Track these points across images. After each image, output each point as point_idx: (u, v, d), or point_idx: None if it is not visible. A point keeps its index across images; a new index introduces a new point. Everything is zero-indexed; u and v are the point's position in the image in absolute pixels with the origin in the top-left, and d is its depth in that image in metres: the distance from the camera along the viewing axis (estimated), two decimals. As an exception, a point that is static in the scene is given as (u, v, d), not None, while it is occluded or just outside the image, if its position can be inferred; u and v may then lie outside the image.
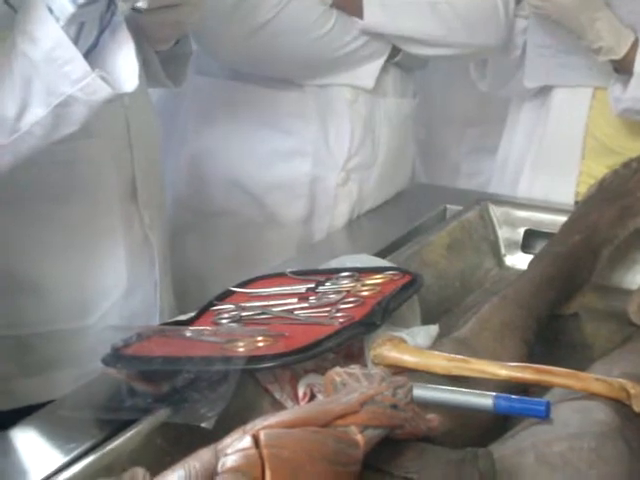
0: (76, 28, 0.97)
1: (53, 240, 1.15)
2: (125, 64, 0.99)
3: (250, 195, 1.51)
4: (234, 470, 0.59)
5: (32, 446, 0.89)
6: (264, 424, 0.63)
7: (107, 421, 0.90)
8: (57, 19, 0.95)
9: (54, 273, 1.15)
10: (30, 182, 1.13)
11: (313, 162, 1.51)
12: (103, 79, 0.97)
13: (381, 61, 1.51)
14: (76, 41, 0.97)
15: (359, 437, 0.67)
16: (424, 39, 1.49)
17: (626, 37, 1.48)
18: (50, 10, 0.95)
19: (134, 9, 1.04)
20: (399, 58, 1.54)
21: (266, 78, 1.49)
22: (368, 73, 1.51)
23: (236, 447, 0.61)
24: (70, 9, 0.95)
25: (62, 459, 0.84)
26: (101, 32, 0.99)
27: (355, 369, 0.76)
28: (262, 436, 0.61)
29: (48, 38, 0.96)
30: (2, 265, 1.14)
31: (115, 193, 1.18)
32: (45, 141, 1.02)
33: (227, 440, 0.62)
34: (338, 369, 0.77)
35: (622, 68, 1.50)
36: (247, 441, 0.61)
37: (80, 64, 0.96)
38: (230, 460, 0.60)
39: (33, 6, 0.96)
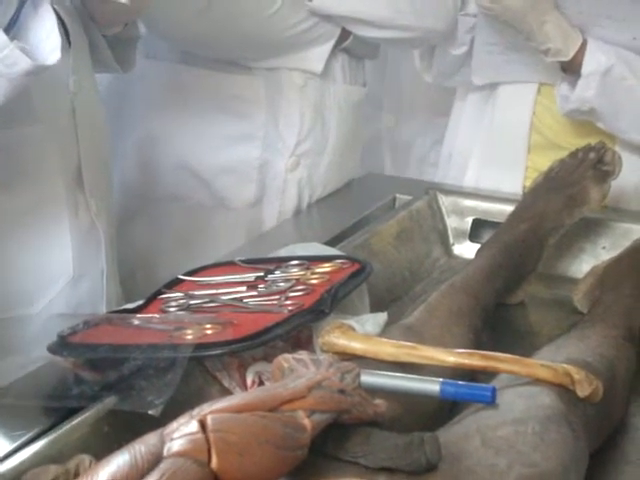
0: None
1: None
2: (47, 37, 0.98)
3: (199, 179, 1.51)
4: (180, 454, 0.59)
5: (-23, 434, 0.88)
6: (211, 409, 0.63)
7: (54, 409, 0.89)
8: None
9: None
10: None
11: (263, 146, 1.51)
12: (22, 50, 0.96)
13: (330, 44, 1.52)
14: None
15: (306, 421, 0.67)
16: (372, 20, 1.50)
17: (574, 39, 1.49)
18: None
19: None
20: (348, 43, 1.54)
21: (215, 61, 1.48)
22: (317, 56, 1.51)
23: (183, 432, 0.61)
24: None
25: (8, 446, 0.83)
26: (21, 6, 0.98)
27: (303, 355, 0.76)
28: (209, 420, 0.61)
29: None
30: None
31: (60, 179, 1.16)
32: None
33: (173, 425, 0.62)
34: (286, 355, 0.77)
35: (570, 69, 1.51)
36: (194, 425, 0.61)
37: None
38: (176, 444, 0.60)
39: None
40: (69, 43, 1.16)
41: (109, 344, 0.93)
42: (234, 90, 1.49)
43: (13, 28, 0.98)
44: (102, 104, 1.29)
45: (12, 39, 0.96)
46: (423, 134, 1.95)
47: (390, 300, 1.31)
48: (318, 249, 1.22)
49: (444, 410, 0.95)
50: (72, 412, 0.88)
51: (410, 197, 1.52)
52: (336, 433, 0.71)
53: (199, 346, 0.91)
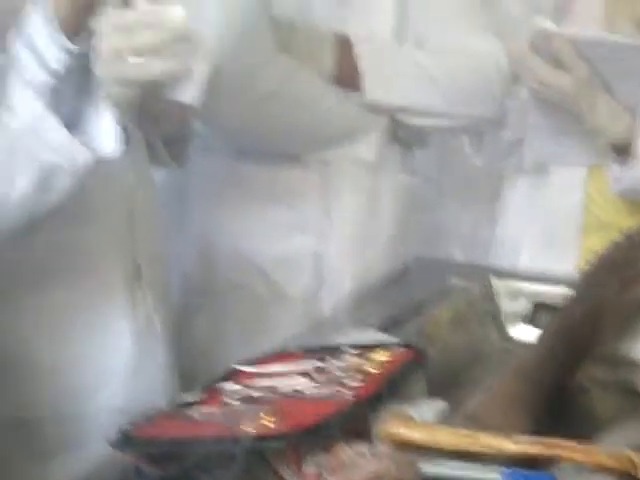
0: (54, 96, 0.99)
1: (56, 323, 1.16)
2: (104, 130, 1.01)
3: (257, 270, 1.53)
4: None
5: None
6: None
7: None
8: (35, 90, 0.97)
9: (58, 356, 1.16)
10: (31, 269, 1.14)
11: (316, 237, 1.53)
12: (84, 145, 0.99)
13: (381, 134, 1.54)
14: (55, 109, 0.99)
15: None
16: (422, 110, 1.52)
17: (626, 119, 1.50)
18: (28, 81, 0.97)
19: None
20: (399, 133, 1.56)
21: (269, 155, 1.51)
22: (369, 147, 1.54)
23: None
24: (47, 79, 0.97)
25: None
26: (79, 100, 1.01)
27: (361, 447, 0.76)
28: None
29: (27, 109, 0.98)
30: (7, 349, 1.15)
31: (118, 276, 1.19)
32: (30, 215, 1.03)
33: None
34: (344, 446, 0.77)
35: (621, 149, 1.52)
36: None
37: (60, 132, 0.99)
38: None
39: (11, 78, 0.98)
40: (126, 140, 1.20)
41: (170, 438, 0.94)
42: (288, 183, 1.52)
43: (71, 121, 1.01)
44: (159, 200, 1.32)
45: (70, 132, 0.99)
46: (472, 218, 1.96)
47: (447, 386, 1.29)
48: (373, 336, 1.23)
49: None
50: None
51: (464, 281, 1.52)
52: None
53: (259, 438, 0.91)
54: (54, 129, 0.98)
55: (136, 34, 0.96)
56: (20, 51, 0.98)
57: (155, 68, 0.97)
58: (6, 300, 1.15)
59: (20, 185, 1.00)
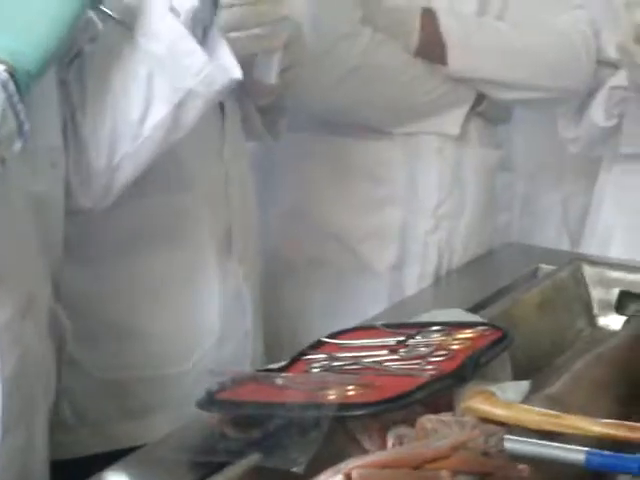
0: (191, 24, 1.02)
1: (152, 289, 1.20)
2: (227, 57, 1.04)
3: (343, 244, 1.54)
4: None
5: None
6: (357, 464, 0.64)
7: (201, 464, 0.92)
8: (177, 15, 1.01)
9: (155, 321, 1.20)
10: (128, 235, 1.17)
11: (403, 209, 1.54)
12: (219, 68, 1.02)
13: (466, 108, 1.54)
14: (194, 35, 1.02)
15: (450, 482, 0.68)
16: (509, 83, 1.52)
17: None
18: (172, 7, 1.01)
19: None
20: (483, 107, 1.56)
21: (355, 128, 1.52)
22: (454, 120, 1.54)
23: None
24: (191, 3, 1.01)
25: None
26: (207, 28, 1.04)
27: (447, 416, 0.76)
28: (354, 474, 0.62)
29: (170, 32, 1.01)
30: (107, 313, 1.19)
31: (211, 245, 1.21)
32: (160, 147, 1.06)
33: (320, 478, 0.63)
34: (430, 416, 0.78)
35: None
36: (339, 479, 0.62)
37: (199, 56, 1.02)
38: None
39: (153, 6, 1.02)
40: (223, 112, 1.22)
41: (255, 402, 0.96)
42: (374, 156, 1.53)
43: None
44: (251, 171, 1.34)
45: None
46: (558, 201, 1.93)
47: (531, 370, 1.29)
48: (459, 315, 1.23)
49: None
50: (218, 467, 0.91)
51: (554, 267, 1.51)
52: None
53: (342, 406, 0.93)
54: (194, 54, 1.01)
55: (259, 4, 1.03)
56: None
57: (262, 42, 1.02)
58: (105, 266, 1.18)
59: (157, 110, 1.03)
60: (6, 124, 0.82)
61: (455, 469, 0.68)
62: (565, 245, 1.85)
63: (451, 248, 1.58)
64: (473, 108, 1.55)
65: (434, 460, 0.67)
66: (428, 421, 0.76)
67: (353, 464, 0.64)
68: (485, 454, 0.71)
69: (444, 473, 0.67)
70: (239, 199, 1.25)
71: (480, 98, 1.55)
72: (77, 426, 1.18)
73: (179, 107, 1.03)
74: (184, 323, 1.20)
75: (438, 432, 0.74)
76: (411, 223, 1.54)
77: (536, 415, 0.95)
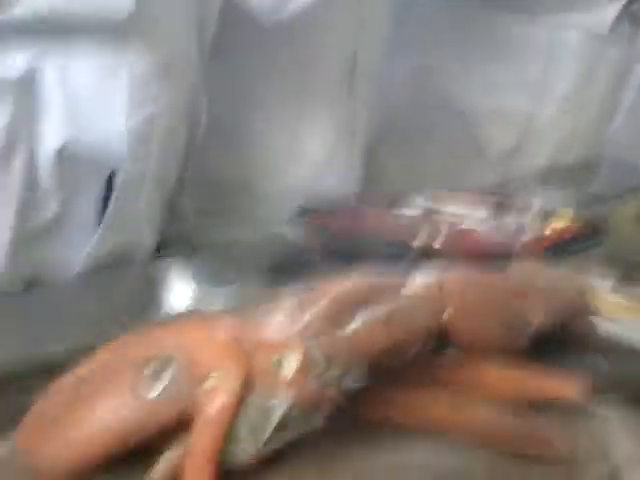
0: None
1: (271, 99, 1.20)
2: None
3: (463, 118, 1.51)
4: (415, 297, 0.59)
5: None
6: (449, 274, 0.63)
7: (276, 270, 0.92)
8: None
9: (264, 128, 1.21)
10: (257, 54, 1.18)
11: (530, 95, 1.51)
12: None
13: (618, 6, 1.49)
14: None
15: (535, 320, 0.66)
16: None
17: None
18: None
19: None
20: (634, 8, 1.50)
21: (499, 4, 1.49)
22: (601, 18, 1.49)
23: (419, 284, 0.61)
24: None
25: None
26: None
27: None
28: (447, 279, 0.62)
29: None
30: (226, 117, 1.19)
31: (335, 69, 1.21)
32: None
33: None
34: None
35: None
36: (431, 280, 0.61)
37: None
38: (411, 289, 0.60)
39: None
40: None
41: (344, 227, 0.96)
42: (513, 38, 1.49)
43: None
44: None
45: None
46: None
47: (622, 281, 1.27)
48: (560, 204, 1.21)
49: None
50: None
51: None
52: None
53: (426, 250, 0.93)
54: None
55: None
56: None
57: None
58: (224, 75, 1.18)
59: None
60: None
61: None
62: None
63: (571, 142, 1.55)
64: (626, 7, 1.50)
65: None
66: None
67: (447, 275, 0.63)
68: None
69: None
70: (370, 30, 1.24)
71: None
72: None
73: None
74: (294, 137, 1.22)
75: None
76: (536, 110, 1.51)
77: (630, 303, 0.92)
